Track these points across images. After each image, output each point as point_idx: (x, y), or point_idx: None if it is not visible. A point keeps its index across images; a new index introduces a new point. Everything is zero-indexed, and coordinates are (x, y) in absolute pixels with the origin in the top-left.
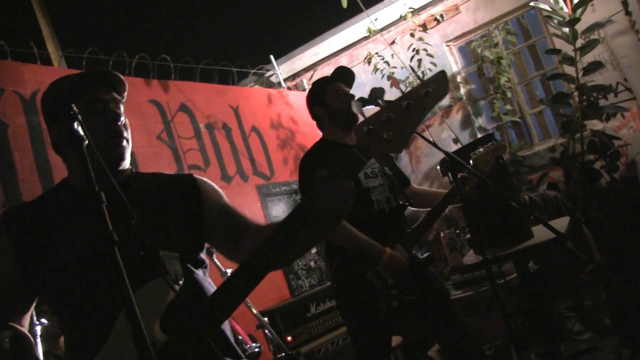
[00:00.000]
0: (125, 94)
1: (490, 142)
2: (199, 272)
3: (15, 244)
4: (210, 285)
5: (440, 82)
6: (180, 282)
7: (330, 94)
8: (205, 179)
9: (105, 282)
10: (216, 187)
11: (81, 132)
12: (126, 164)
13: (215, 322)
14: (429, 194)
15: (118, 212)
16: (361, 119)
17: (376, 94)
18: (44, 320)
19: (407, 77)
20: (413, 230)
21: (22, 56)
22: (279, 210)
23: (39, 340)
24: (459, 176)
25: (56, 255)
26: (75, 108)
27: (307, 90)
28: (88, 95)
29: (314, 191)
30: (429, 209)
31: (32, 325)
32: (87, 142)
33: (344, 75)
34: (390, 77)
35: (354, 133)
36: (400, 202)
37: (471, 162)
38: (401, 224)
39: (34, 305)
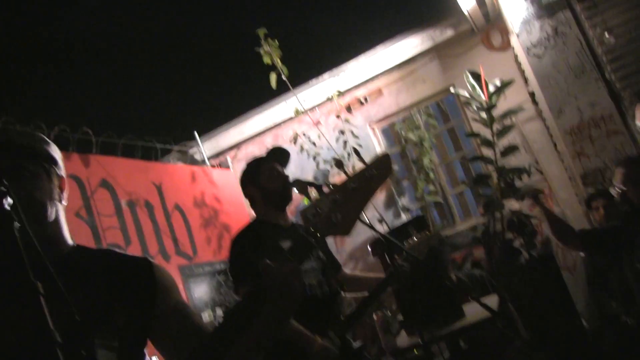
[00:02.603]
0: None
1: (421, 224)
2: None
3: None
4: None
5: (383, 165)
6: None
7: (264, 175)
8: (162, 267)
9: None
10: (172, 279)
11: (9, 212)
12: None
13: None
14: (361, 279)
15: (55, 296)
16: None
17: (339, 164)
18: None
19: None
20: (347, 318)
21: None
22: (202, 291)
23: None
24: (395, 256)
25: None
26: (5, 183)
27: (234, 170)
28: None
29: (260, 279)
30: (361, 292)
31: None
32: (19, 224)
33: (279, 156)
34: (335, 160)
35: (301, 216)
36: (334, 288)
37: (406, 251)
38: (334, 311)
39: None
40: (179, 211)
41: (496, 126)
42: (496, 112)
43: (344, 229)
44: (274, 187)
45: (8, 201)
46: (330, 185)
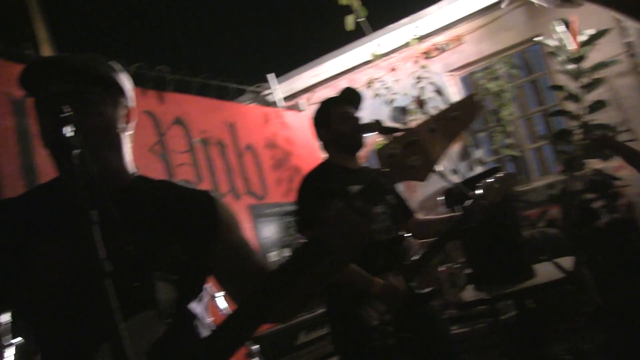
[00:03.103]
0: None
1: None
2: (196, 306)
3: None
4: (206, 321)
5: (469, 106)
6: (173, 311)
7: (335, 117)
8: (224, 203)
9: (93, 309)
10: (234, 215)
11: (71, 139)
12: (121, 167)
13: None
14: (432, 223)
15: (114, 228)
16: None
17: (399, 114)
18: (18, 339)
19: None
20: (413, 263)
21: (16, 57)
22: (270, 231)
23: None
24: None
25: (37, 272)
26: (68, 110)
27: (307, 112)
28: (41, 90)
29: (328, 217)
30: (431, 239)
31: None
32: (77, 151)
33: (352, 98)
34: (416, 98)
35: (377, 156)
36: (400, 234)
37: (480, 190)
38: (401, 256)
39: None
40: (250, 151)
41: (584, 79)
42: (585, 64)
43: (421, 174)
44: (345, 129)
45: (69, 128)
46: (408, 127)
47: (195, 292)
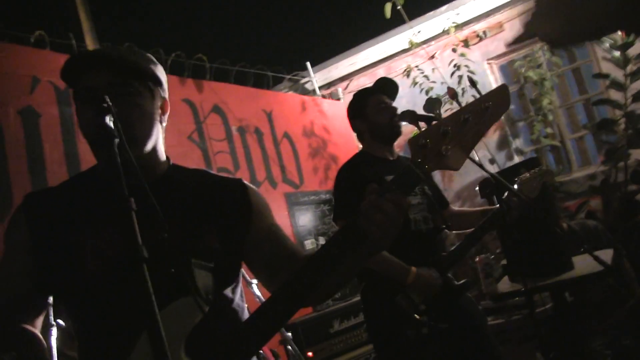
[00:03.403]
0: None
1: (535, 167)
2: (232, 292)
3: (36, 236)
4: (242, 307)
5: (501, 97)
6: (210, 298)
7: (371, 107)
8: (256, 190)
9: (131, 296)
10: (266, 202)
11: (112, 130)
12: (155, 155)
13: (252, 346)
14: (468, 215)
15: (151, 216)
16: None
17: (432, 105)
18: (60, 321)
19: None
20: (450, 254)
21: (60, 47)
22: (306, 219)
23: (53, 343)
24: (504, 196)
25: (81, 259)
26: (108, 100)
27: (345, 101)
28: (81, 82)
29: (365, 203)
30: (467, 230)
31: (46, 326)
32: (118, 140)
33: (387, 87)
34: (448, 88)
35: (409, 146)
36: (438, 224)
37: (516, 186)
38: (437, 247)
39: (48, 305)
40: (287, 139)
41: (631, 67)
42: (633, 51)
43: (455, 164)
44: (381, 120)
45: (110, 117)
46: (442, 117)
47: (230, 278)
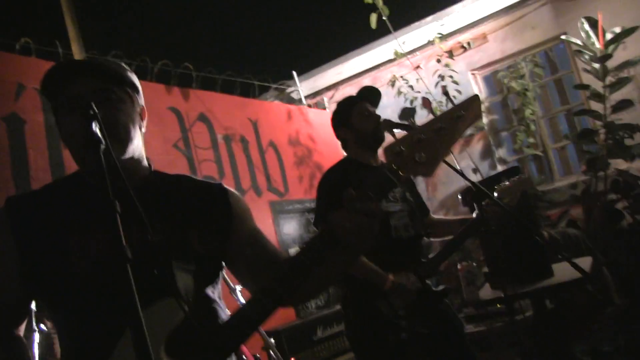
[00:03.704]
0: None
1: (516, 175)
2: (212, 292)
3: (19, 239)
4: (221, 306)
5: (473, 106)
6: (189, 299)
7: (355, 115)
8: (236, 193)
9: (115, 297)
10: (247, 205)
11: (98, 135)
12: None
13: (231, 345)
14: (447, 223)
15: (134, 219)
16: (388, 139)
17: (407, 114)
18: (42, 327)
19: (441, 102)
20: (430, 261)
21: (45, 55)
22: (291, 228)
23: (35, 347)
24: (483, 204)
25: (67, 261)
26: (94, 107)
27: (330, 110)
28: (65, 91)
29: (339, 211)
30: (447, 238)
31: (29, 331)
32: (104, 146)
33: (370, 95)
34: (423, 99)
35: (384, 153)
36: (418, 231)
37: (495, 194)
38: (418, 254)
39: (31, 310)
40: (273, 148)
41: (610, 78)
42: (612, 63)
43: (428, 170)
44: (365, 127)
45: (96, 124)
46: (416, 125)
47: (210, 279)
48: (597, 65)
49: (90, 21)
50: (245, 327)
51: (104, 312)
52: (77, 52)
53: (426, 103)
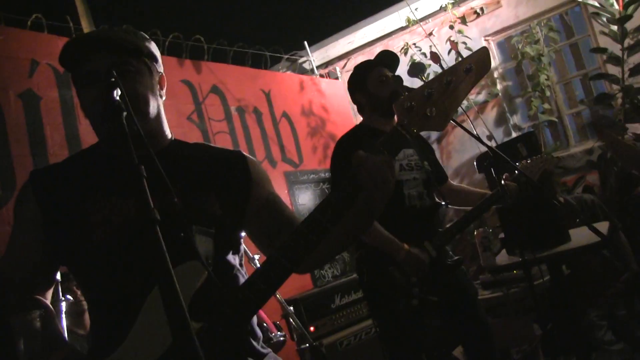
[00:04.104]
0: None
1: (533, 141)
2: (233, 259)
3: (44, 210)
4: (243, 276)
5: (482, 59)
6: (210, 262)
7: (372, 80)
8: (255, 160)
9: (139, 260)
10: (265, 171)
11: (119, 103)
12: (160, 133)
13: (252, 306)
14: (466, 193)
15: (156, 184)
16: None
17: (416, 69)
18: (69, 297)
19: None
20: (446, 231)
21: (57, 30)
22: (306, 198)
23: (63, 317)
24: (503, 178)
25: (89, 228)
26: (115, 74)
27: (342, 79)
28: (83, 66)
29: (353, 169)
30: (465, 207)
31: (56, 301)
32: (125, 113)
33: (388, 60)
34: (432, 53)
35: (394, 109)
36: (435, 200)
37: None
38: (433, 223)
39: (57, 278)
40: (286, 119)
41: (628, 41)
42: (630, 25)
43: (439, 124)
44: (381, 93)
45: (117, 92)
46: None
47: (231, 244)
48: (615, 27)
49: None
50: (265, 287)
51: (129, 276)
52: (87, 27)
53: (435, 58)
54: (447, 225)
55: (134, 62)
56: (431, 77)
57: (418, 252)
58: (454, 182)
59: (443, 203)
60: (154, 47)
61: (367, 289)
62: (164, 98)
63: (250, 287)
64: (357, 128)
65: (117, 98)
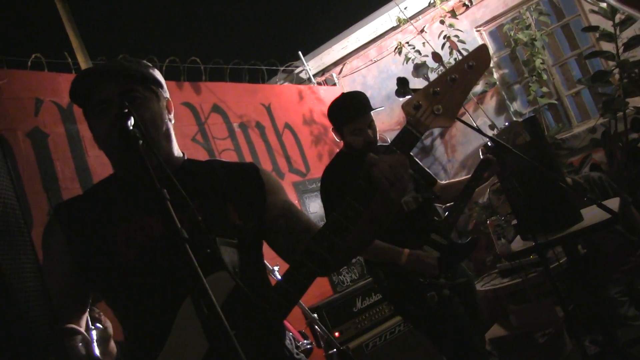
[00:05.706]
0: (148, 77)
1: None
2: (256, 268)
3: (71, 239)
4: (267, 282)
5: (482, 55)
6: (237, 271)
7: (347, 131)
8: (268, 171)
9: (167, 276)
10: (278, 181)
11: (134, 132)
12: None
13: (283, 310)
14: (456, 182)
15: (176, 204)
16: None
17: (420, 70)
18: (98, 325)
19: (439, 67)
20: (446, 218)
21: (56, 67)
22: (317, 206)
23: (95, 345)
24: (482, 157)
25: (115, 251)
26: (127, 104)
27: (340, 85)
28: (93, 97)
29: (366, 170)
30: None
31: (87, 330)
32: (141, 142)
33: (356, 109)
34: (433, 53)
35: (402, 110)
36: (426, 196)
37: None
38: (432, 215)
39: (89, 304)
40: (289, 130)
41: (619, 16)
42: None
43: (447, 120)
44: (355, 144)
45: (131, 121)
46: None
47: (253, 252)
48: (604, 5)
49: (91, 30)
50: (294, 290)
51: (159, 293)
52: (83, 61)
53: (437, 58)
54: (447, 213)
55: (141, 89)
56: (431, 76)
57: (420, 252)
58: (461, 175)
59: (434, 197)
60: (157, 74)
61: (389, 293)
62: (172, 122)
63: (279, 291)
64: (339, 157)
65: (132, 127)
